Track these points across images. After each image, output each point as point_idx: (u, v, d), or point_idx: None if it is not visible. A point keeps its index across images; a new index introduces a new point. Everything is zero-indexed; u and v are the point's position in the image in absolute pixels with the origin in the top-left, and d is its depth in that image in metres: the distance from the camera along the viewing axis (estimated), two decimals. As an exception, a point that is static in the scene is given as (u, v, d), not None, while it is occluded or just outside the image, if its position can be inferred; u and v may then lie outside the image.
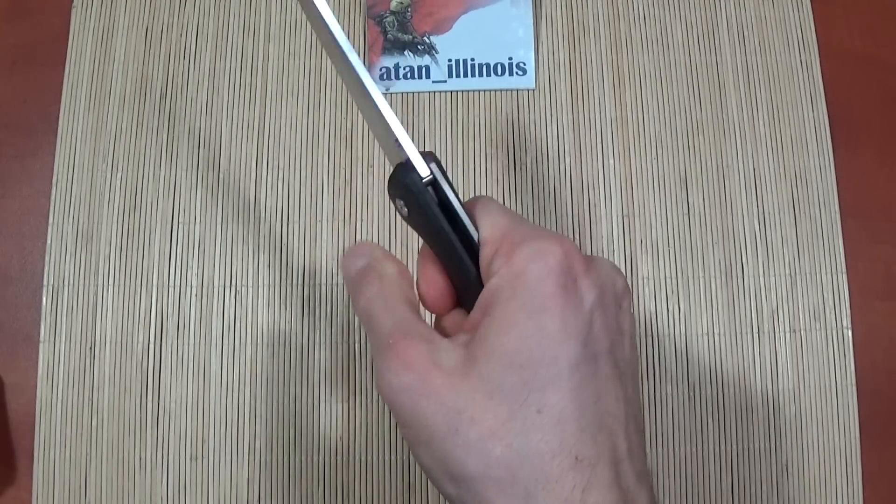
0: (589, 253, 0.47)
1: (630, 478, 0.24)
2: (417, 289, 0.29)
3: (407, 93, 0.51)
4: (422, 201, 0.27)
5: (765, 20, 0.52)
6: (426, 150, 0.28)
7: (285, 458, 0.46)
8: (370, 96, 0.28)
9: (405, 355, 0.25)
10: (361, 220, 0.49)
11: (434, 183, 0.27)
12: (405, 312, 0.26)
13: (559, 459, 0.23)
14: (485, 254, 0.26)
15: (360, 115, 0.50)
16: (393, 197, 0.28)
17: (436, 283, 0.28)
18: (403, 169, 0.27)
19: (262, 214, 0.49)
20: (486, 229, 0.27)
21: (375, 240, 0.48)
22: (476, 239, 0.27)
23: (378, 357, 0.25)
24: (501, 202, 0.48)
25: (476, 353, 0.24)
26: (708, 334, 0.47)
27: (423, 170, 0.27)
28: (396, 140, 0.27)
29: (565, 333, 0.24)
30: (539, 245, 0.25)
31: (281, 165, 0.49)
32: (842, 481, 0.46)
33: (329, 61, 0.51)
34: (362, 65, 0.28)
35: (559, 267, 0.24)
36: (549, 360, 0.24)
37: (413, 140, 0.50)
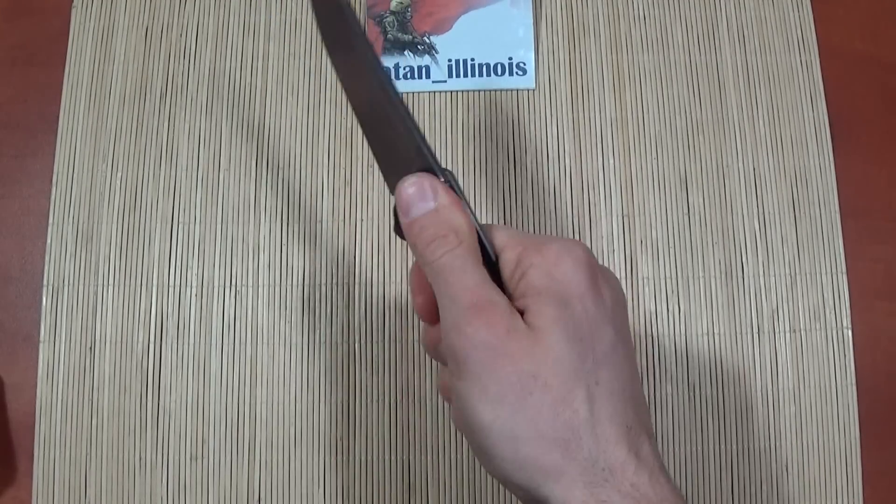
0: (589, 253, 0.48)
1: (657, 450, 0.27)
2: (413, 298, 0.30)
3: (407, 93, 0.51)
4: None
5: (765, 20, 0.52)
6: (447, 169, 0.29)
7: (285, 458, 0.46)
8: (395, 101, 0.28)
9: (489, 316, 0.26)
10: (361, 220, 0.49)
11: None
12: (484, 274, 0.27)
13: (615, 427, 0.26)
14: (507, 257, 0.28)
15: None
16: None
17: (426, 291, 0.29)
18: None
19: (262, 214, 0.49)
20: (503, 238, 0.29)
21: (375, 240, 0.48)
22: (489, 249, 0.28)
23: (456, 310, 0.26)
24: (501, 202, 0.49)
25: (538, 326, 0.26)
26: (708, 334, 0.47)
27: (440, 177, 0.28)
28: (419, 147, 0.28)
29: (602, 317, 0.27)
30: (565, 243, 0.27)
31: (281, 165, 0.49)
32: (842, 481, 0.46)
33: (329, 61, 0.51)
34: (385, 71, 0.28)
35: (586, 261, 0.27)
36: (597, 337, 0.26)
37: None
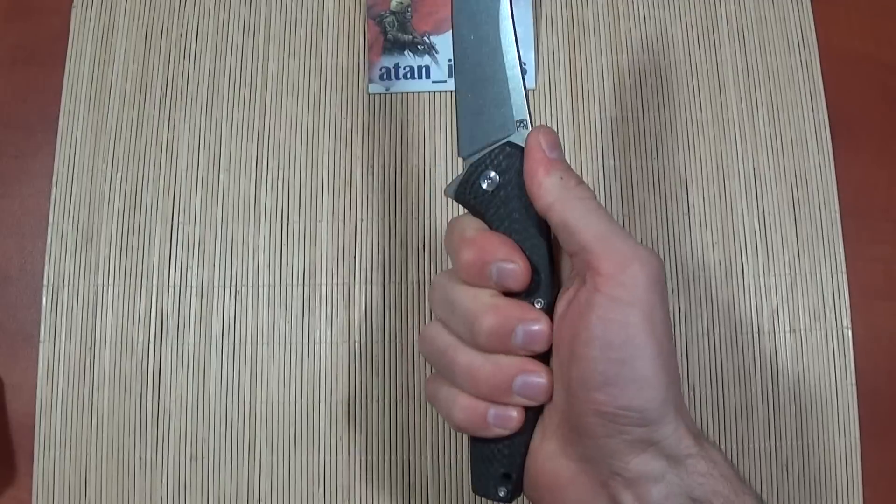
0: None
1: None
2: (506, 262, 0.29)
3: (407, 93, 0.51)
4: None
5: (765, 20, 0.52)
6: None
7: (285, 458, 0.46)
8: (506, 69, 0.30)
9: (660, 267, 0.28)
10: (361, 220, 0.49)
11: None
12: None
13: (680, 399, 0.28)
14: (587, 232, 0.28)
15: (360, 115, 0.50)
16: (485, 169, 0.29)
17: (521, 257, 0.29)
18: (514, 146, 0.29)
19: (262, 214, 0.49)
20: (581, 212, 0.29)
21: (375, 240, 0.48)
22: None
23: (642, 253, 0.28)
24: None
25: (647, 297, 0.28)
26: (708, 334, 0.47)
27: (519, 112, 0.30)
28: (522, 120, 0.29)
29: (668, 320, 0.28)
30: (637, 245, 0.28)
31: (281, 165, 0.49)
32: (842, 481, 0.46)
33: (329, 61, 0.51)
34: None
35: (659, 267, 0.28)
36: (670, 334, 0.29)
37: (413, 140, 0.51)
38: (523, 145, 0.29)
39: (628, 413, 0.27)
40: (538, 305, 0.29)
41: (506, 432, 0.29)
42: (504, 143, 0.29)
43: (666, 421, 0.27)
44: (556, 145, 0.29)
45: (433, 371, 0.32)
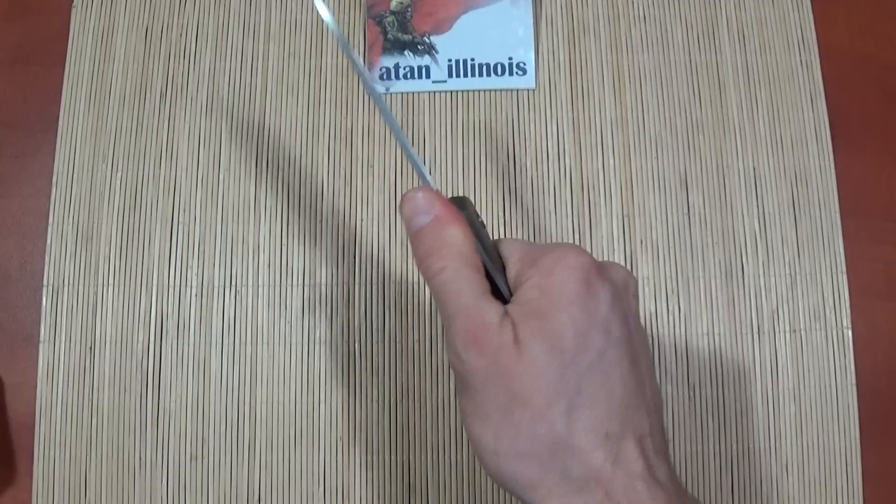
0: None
1: (651, 451, 0.27)
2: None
3: (407, 93, 0.51)
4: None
5: (765, 20, 0.52)
6: (460, 195, 0.31)
7: (285, 458, 0.46)
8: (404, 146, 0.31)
9: (481, 340, 0.27)
10: (361, 220, 0.49)
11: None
12: (477, 288, 0.28)
13: (591, 436, 0.26)
14: (510, 273, 0.29)
15: (360, 115, 0.50)
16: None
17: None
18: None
19: (262, 214, 0.49)
20: (509, 252, 0.30)
21: (375, 240, 0.48)
22: (491, 265, 0.29)
23: (452, 332, 0.28)
24: (501, 202, 0.49)
25: (522, 341, 0.27)
26: (708, 334, 0.47)
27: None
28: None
29: (591, 324, 0.27)
30: (558, 252, 0.28)
31: (281, 165, 0.49)
32: (842, 481, 0.46)
33: (329, 61, 0.51)
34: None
35: (578, 266, 0.27)
36: (583, 346, 0.27)
37: (413, 140, 0.51)
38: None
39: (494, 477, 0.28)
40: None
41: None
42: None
43: (527, 498, 0.27)
44: (411, 218, 0.30)
45: None
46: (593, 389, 0.26)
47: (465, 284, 0.28)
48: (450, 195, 0.49)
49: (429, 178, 0.30)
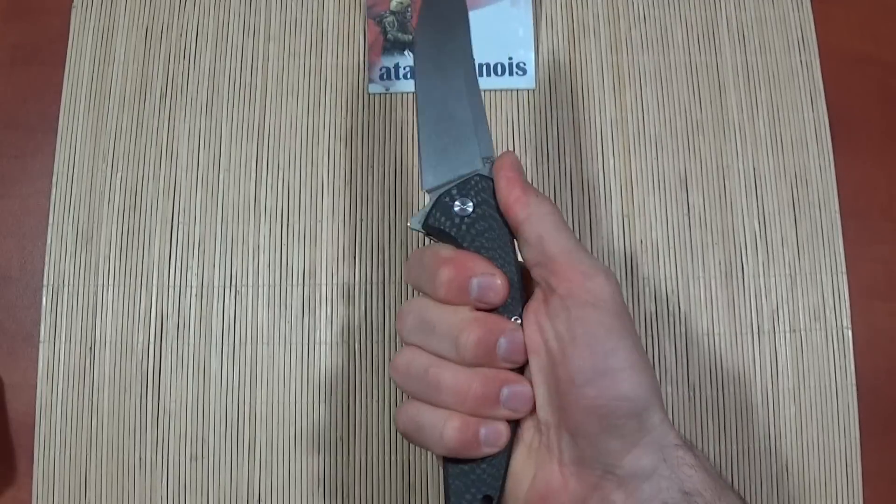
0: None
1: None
2: (488, 277, 0.30)
3: (407, 93, 0.51)
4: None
5: (765, 20, 0.52)
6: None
7: (285, 458, 0.46)
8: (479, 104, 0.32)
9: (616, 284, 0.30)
10: (361, 220, 0.49)
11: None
12: None
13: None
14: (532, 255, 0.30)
15: (360, 115, 0.50)
16: (456, 198, 0.31)
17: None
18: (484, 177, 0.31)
19: (262, 214, 0.49)
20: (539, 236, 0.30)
21: (375, 240, 0.48)
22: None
23: (602, 267, 0.29)
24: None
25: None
26: (708, 334, 0.47)
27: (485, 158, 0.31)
28: (489, 157, 0.32)
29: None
30: (603, 268, 0.29)
31: (281, 165, 0.49)
32: (842, 481, 0.46)
33: (329, 61, 0.51)
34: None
35: (619, 291, 0.29)
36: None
37: (413, 140, 0.51)
38: (492, 177, 0.31)
39: (620, 403, 0.27)
40: (515, 321, 0.30)
41: (495, 450, 0.29)
42: (473, 175, 0.31)
43: (654, 409, 0.28)
44: (522, 170, 0.31)
45: (406, 398, 0.32)
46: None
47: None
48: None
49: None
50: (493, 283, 0.29)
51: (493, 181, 0.31)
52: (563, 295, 0.28)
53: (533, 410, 0.29)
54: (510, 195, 0.30)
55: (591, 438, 0.28)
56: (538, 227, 0.29)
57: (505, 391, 0.29)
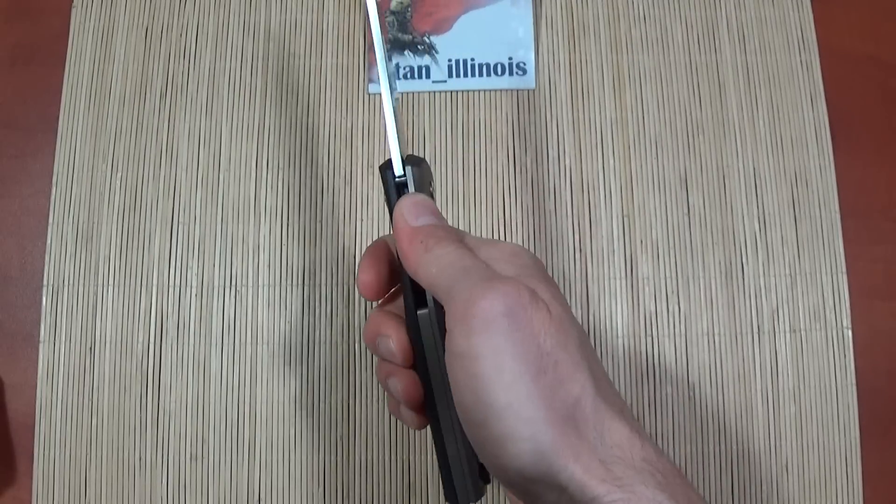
0: (589, 253, 0.47)
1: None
2: (358, 274, 0.31)
3: (407, 93, 0.51)
4: (388, 196, 0.31)
5: (765, 20, 0.52)
6: (420, 156, 0.31)
7: (285, 458, 0.46)
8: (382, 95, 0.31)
9: (513, 285, 0.26)
10: (361, 220, 0.49)
11: (404, 185, 0.31)
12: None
13: (612, 406, 0.26)
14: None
15: (360, 115, 0.50)
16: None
17: (377, 271, 0.31)
18: (387, 163, 0.31)
19: (262, 214, 0.49)
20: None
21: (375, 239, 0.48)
22: None
23: (472, 283, 0.26)
24: (501, 202, 0.49)
25: (545, 298, 0.27)
26: (708, 334, 0.47)
27: (397, 169, 0.31)
28: (387, 136, 0.31)
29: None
30: (481, 291, 0.26)
31: (281, 165, 0.49)
32: (842, 481, 0.46)
33: (329, 61, 0.51)
34: (385, 69, 0.31)
35: (505, 307, 0.26)
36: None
37: (413, 140, 0.51)
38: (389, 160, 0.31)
39: (505, 475, 0.25)
40: (422, 311, 0.30)
41: (413, 426, 0.31)
42: (386, 160, 0.32)
43: (554, 472, 0.24)
44: (423, 212, 0.30)
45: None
46: (597, 361, 0.27)
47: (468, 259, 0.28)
48: (449, 195, 0.49)
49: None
50: (357, 279, 0.31)
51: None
52: (447, 350, 0.26)
53: None
54: (400, 256, 0.29)
55: (515, 497, 0.27)
56: (427, 278, 0.28)
57: (389, 382, 0.31)
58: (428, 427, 0.31)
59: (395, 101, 0.31)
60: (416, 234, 0.29)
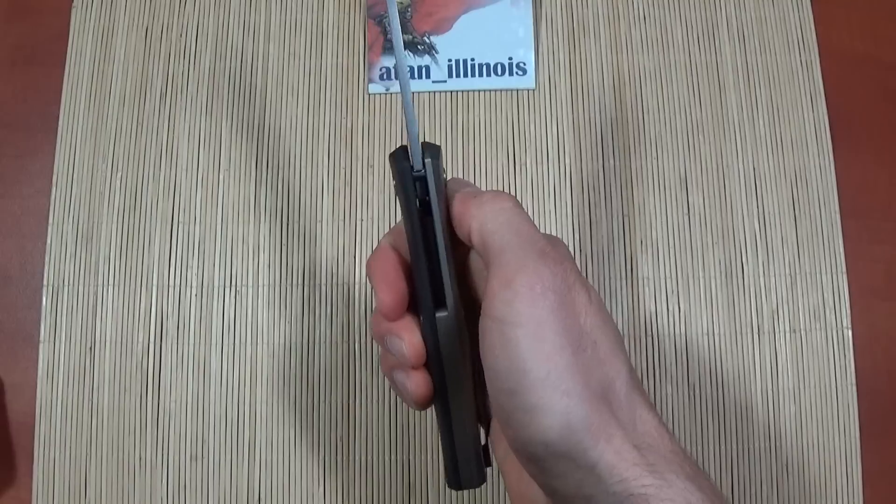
0: (589, 253, 0.48)
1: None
2: (376, 293, 0.29)
3: (407, 93, 0.51)
4: (406, 189, 0.28)
5: (765, 20, 0.52)
6: (435, 143, 0.29)
7: (285, 458, 0.46)
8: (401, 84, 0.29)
9: (561, 264, 0.26)
10: (361, 220, 0.49)
11: (423, 179, 0.28)
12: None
13: (643, 395, 0.26)
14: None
15: (360, 115, 0.50)
16: (392, 173, 0.29)
17: (397, 290, 0.29)
18: (402, 152, 0.28)
19: (262, 214, 0.49)
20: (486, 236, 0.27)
21: (375, 240, 0.48)
22: (442, 249, 0.28)
23: (524, 255, 0.25)
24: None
25: (585, 287, 0.27)
26: (708, 334, 0.47)
27: (417, 163, 0.28)
28: (407, 124, 0.29)
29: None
30: (530, 263, 0.26)
31: (281, 165, 0.49)
32: (842, 481, 0.46)
33: (329, 61, 0.51)
34: (405, 66, 0.29)
35: (551, 283, 0.25)
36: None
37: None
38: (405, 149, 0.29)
39: (530, 448, 0.24)
40: (441, 314, 0.29)
41: (411, 404, 0.30)
42: (400, 147, 0.29)
43: (585, 448, 0.24)
44: (466, 183, 0.30)
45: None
46: (626, 354, 0.27)
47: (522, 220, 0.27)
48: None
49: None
50: (377, 299, 0.29)
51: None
52: (483, 313, 0.26)
53: None
54: (454, 212, 0.28)
55: (533, 474, 0.26)
56: (481, 234, 0.27)
57: (394, 374, 0.30)
58: (431, 416, 0.31)
59: (409, 94, 0.30)
60: (469, 192, 0.28)
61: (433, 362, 0.29)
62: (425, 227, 0.28)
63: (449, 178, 0.30)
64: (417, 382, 0.29)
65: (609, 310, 0.47)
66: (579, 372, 0.24)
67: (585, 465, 0.24)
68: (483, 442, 0.31)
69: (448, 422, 0.30)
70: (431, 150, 0.28)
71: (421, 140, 0.28)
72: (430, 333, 0.29)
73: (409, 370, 0.29)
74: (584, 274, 0.48)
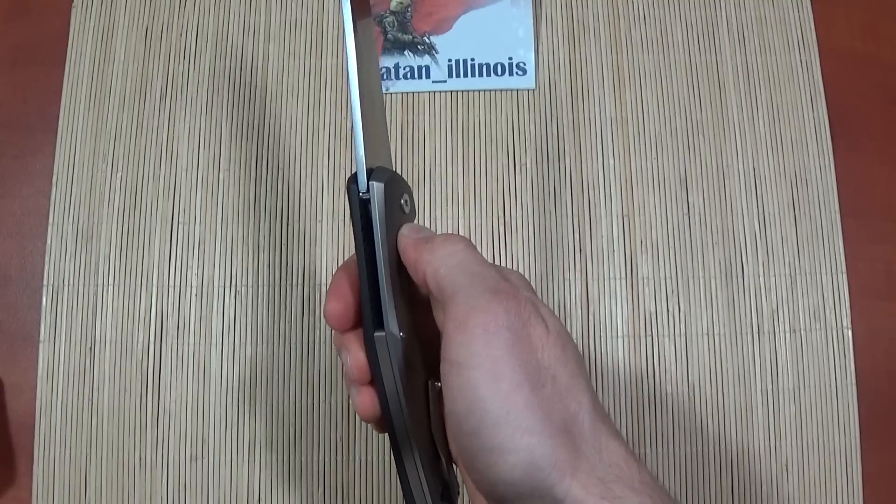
0: (589, 253, 0.47)
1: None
2: (325, 302, 0.29)
3: (407, 93, 0.51)
4: (353, 212, 0.28)
5: (765, 20, 0.52)
6: (394, 171, 0.29)
7: (285, 458, 0.46)
8: (351, 102, 0.29)
9: (514, 300, 0.25)
10: (361, 220, 0.49)
11: (367, 203, 0.28)
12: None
13: (608, 424, 0.26)
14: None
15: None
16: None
17: (346, 301, 0.29)
18: (352, 176, 0.29)
19: (262, 214, 0.49)
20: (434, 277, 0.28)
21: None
22: (384, 275, 0.28)
23: (476, 294, 0.26)
24: (501, 202, 0.49)
25: (544, 317, 0.27)
26: (708, 334, 0.47)
27: (362, 186, 0.28)
28: (356, 148, 0.28)
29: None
30: (481, 301, 0.26)
31: (281, 165, 0.49)
32: (842, 481, 0.46)
33: (329, 61, 0.51)
34: (355, 74, 0.29)
35: (506, 321, 0.25)
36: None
37: (413, 140, 0.51)
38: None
39: (498, 489, 0.24)
40: (380, 333, 0.29)
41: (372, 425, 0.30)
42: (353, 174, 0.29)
43: (549, 485, 0.24)
44: (423, 230, 0.29)
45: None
46: (589, 382, 0.27)
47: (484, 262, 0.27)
48: (448, 195, 0.49)
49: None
50: (327, 309, 0.29)
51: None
52: (442, 358, 0.26)
53: None
54: (408, 264, 0.28)
55: None
56: (435, 280, 0.27)
57: (350, 391, 0.30)
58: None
59: (379, 101, 0.29)
60: (421, 239, 0.28)
61: (377, 385, 0.29)
62: (371, 248, 0.28)
63: (407, 224, 0.30)
64: (363, 398, 0.29)
65: (609, 310, 0.47)
66: (540, 408, 0.24)
67: (552, 502, 0.24)
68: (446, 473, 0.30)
69: (395, 444, 0.29)
70: (379, 175, 0.28)
71: (378, 165, 0.28)
72: (370, 352, 0.29)
73: (357, 385, 0.30)
74: (584, 274, 0.48)
